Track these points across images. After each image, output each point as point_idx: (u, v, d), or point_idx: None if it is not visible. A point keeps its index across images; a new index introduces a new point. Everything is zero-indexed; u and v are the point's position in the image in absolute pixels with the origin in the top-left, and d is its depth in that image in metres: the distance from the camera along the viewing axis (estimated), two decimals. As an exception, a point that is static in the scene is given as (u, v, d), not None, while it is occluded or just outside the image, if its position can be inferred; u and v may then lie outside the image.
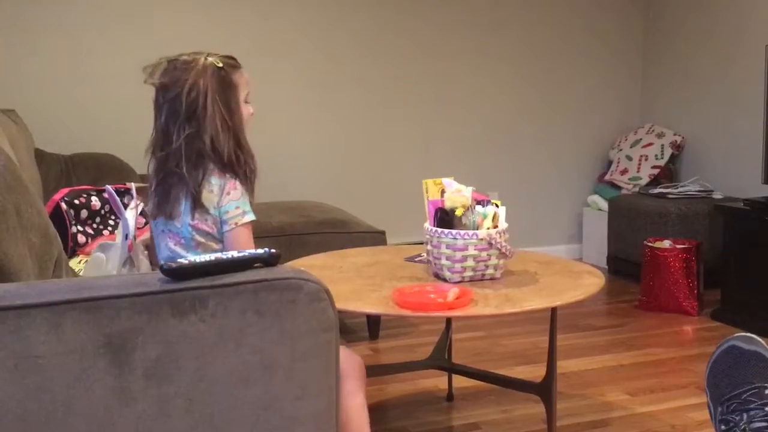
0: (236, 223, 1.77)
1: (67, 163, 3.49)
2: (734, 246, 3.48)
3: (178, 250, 1.82)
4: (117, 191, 2.76)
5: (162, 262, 1.83)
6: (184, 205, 1.78)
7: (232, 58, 1.88)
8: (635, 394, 2.68)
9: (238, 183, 1.79)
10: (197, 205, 1.76)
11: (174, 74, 1.78)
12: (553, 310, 2.10)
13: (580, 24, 4.72)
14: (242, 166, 1.81)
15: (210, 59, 1.80)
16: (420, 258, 2.26)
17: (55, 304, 0.98)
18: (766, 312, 3.26)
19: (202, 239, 1.79)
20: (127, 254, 1.93)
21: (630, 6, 4.82)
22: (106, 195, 2.77)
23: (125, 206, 2.03)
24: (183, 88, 1.76)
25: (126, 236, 1.94)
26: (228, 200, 1.77)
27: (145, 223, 2.78)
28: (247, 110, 1.86)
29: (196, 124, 1.76)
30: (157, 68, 1.81)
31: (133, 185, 2.24)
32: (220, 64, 1.81)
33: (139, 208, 2.10)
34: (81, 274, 2.16)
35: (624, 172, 4.55)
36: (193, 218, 1.77)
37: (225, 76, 1.81)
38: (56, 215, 2.75)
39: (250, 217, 1.80)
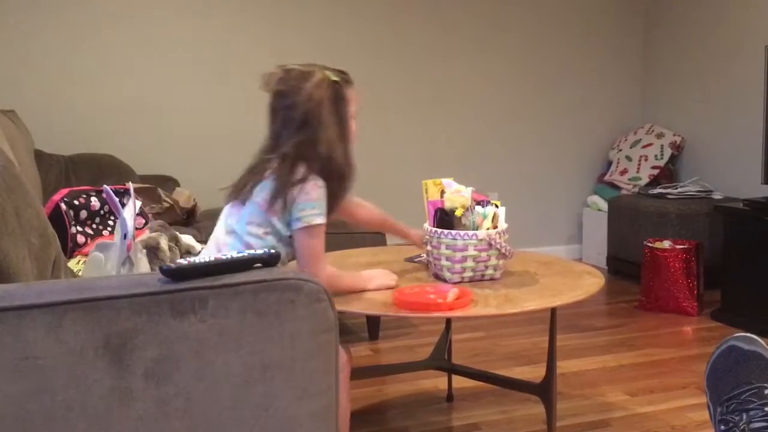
0: (308, 223, 1.81)
1: (67, 164, 3.50)
2: (734, 246, 3.48)
3: (231, 222, 1.86)
4: (116, 192, 2.76)
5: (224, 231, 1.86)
6: (260, 194, 1.81)
7: (345, 73, 1.96)
8: (635, 394, 2.68)
9: (320, 186, 1.82)
10: (276, 198, 1.80)
11: (290, 83, 1.85)
12: (553, 310, 2.10)
13: (580, 25, 4.72)
14: (338, 177, 1.88)
15: (327, 73, 1.88)
16: (420, 258, 2.26)
17: (54, 304, 0.98)
18: (766, 312, 3.26)
19: (257, 219, 1.83)
20: (126, 254, 1.93)
21: (630, 7, 4.82)
22: (104, 195, 2.77)
23: (123, 206, 2.02)
24: (299, 97, 1.82)
25: (124, 236, 1.94)
26: (306, 199, 1.81)
27: (145, 224, 2.78)
28: (352, 125, 1.95)
29: (309, 133, 1.83)
30: (273, 76, 1.87)
31: (131, 185, 2.24)
32: (336, 78, 1.89)
33: (137, 207, 2.11)
34: (80, 273, 2.16)
35: (624, 172, 4.55)
36: (263, 202, 1.81)
37: (339, 90, 1.89)
38: (56, 216, 2.75)
39: (322, 220, 1.83)
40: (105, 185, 2.06)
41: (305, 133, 1.83)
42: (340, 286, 1.86)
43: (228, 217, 1.90)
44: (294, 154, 1.81)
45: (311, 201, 1.81)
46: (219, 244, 1.90)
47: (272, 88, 1.86)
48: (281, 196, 1.80)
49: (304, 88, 1.83)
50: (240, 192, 1.87)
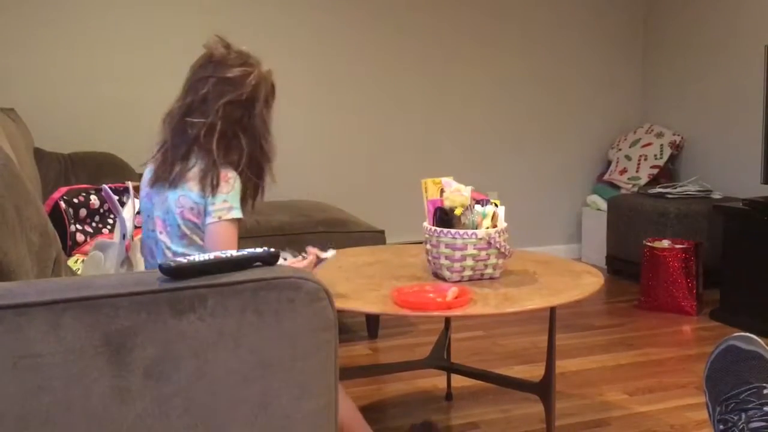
0: (220, 217, 1.73)
1: (66, 162, 3.49)
2: (733, 246, 3.48)
3: (164, 239, 1.80)
4: (116, 190, 2.76)
5: (150, 254, 1.83)
6: (190, 175, 1.76)
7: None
8: (634, 393, 2.68)
9: (234, 178, 1.76)
10: (208, 181, 1.74)
11: (234, 60, 1.82)
12: (552, 309, 2.10)
13: (579, 24, 4.72)
14: (259, 168, 1.84)
15: (267, 70, 1.88)
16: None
17: (54, 302, 0.98)
18: (764, 312, 3.26)
19: (188, 231, 1.78)
20: (125, 254, 1.93)
21: (630, 6, 4.82)
22: (103, 194, 2.76)
23: (122, 204, 2.02)
24: (244, 75, 1.80)
25: (123, 236, 1.94)
26: (216, 192, 1.74)
27: (145, 222, 2.77)
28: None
29: (243, 112, 1.80)
30: (218, 43, 1.85)
31: (130, 184, 2.23)
32: (271, 79, 1.89)
33: (137, 207, 2.10)
34: (79, 272, 2.16)
35: (623, 171, 4.55)
36: (195, 189, 1.75)
37: (270, 92, 1.88)
38: (55, 214, 2.75)
39: (237, 214, 1.75)
40: (104, 185, 2.05)
41: (239, 111, 1.79)
42: None
43: (153, 210, 1.82)
44: (221, 127, 1.76)
45: (222, 194, 1.74)
46: (163, 248, 1.80)
47: (218, 53, 1.82)
48: (209, 177, 1.74)
49: (252, 71, 1.81)
50: (169, 174, 1.78)
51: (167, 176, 1.79)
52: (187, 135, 1.78)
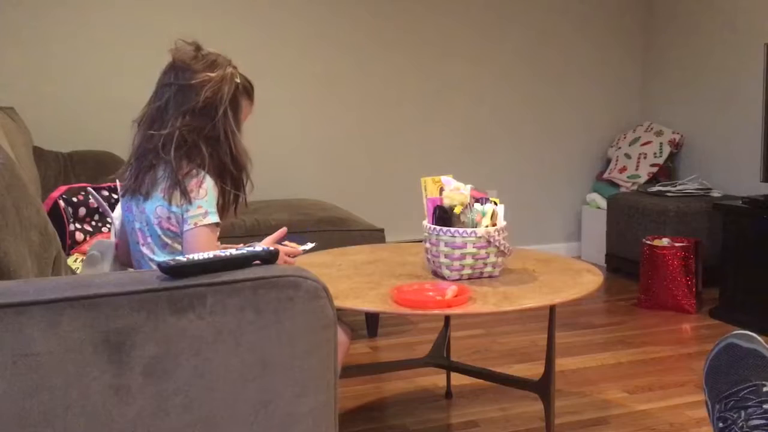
0: (196, 224, 1.71)
1: (66, 161, 3.49)
2: (733, 244, 3.48)
3: (146, 251, 1.79)
4: (114, 189, 2.75)
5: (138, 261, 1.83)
6: (161, 186, 1.74)
7: (250, 83, 1.89)
8: (633, 391, 2.68)
9: (206, 182, 1.74)
10: (177, 191, 1.72)
11: (197, 65, 1.77)
12: (552, 308, 2.10)
13: (579, 22, 4.71)
14: (230, 175, 1.80)
15: (234, 71, 1.82)
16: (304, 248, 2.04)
17: (53, 301, 0.98)
18: (764, 310, 3.26)
19: (168, 240, 1.77)
20: (113, 253, 1.92)
21: (630, 4, 4.82)
22: (90, 197, 2.76)
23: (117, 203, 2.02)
24: (203, 82, 1.74)
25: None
26: (190, 199, 1.72)
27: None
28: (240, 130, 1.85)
29: (202, 120, 1.75)
30: (183, 48, 1.80)
31: (119, 183, 2.23)
32: (238, 80, 1.82)
33: None
34: (78, 272, 2.15)
35: (623, 170, 4.55)
36: (167, 199, 1.73)
37: (237, 94, 1.82)
38: (54, 213, 2.75)
39: (213, 218, 1.73)
40: (89, 187, 2.03)
41: (201, 119, 1.74)
42: None
43: (134, 221, 1.80)
44: (179, 137, 1.73)
45: (196, 199, 1.72)
46: (147, 260, 1.79)
47: (179, 59, 1.78)
48: (177, 187, 1.72)
49: (212, 75, 1.75)
50: (141, 185, 1.76)
51: (139, 188, 1.77)
52: (148, 146, 1.76)
